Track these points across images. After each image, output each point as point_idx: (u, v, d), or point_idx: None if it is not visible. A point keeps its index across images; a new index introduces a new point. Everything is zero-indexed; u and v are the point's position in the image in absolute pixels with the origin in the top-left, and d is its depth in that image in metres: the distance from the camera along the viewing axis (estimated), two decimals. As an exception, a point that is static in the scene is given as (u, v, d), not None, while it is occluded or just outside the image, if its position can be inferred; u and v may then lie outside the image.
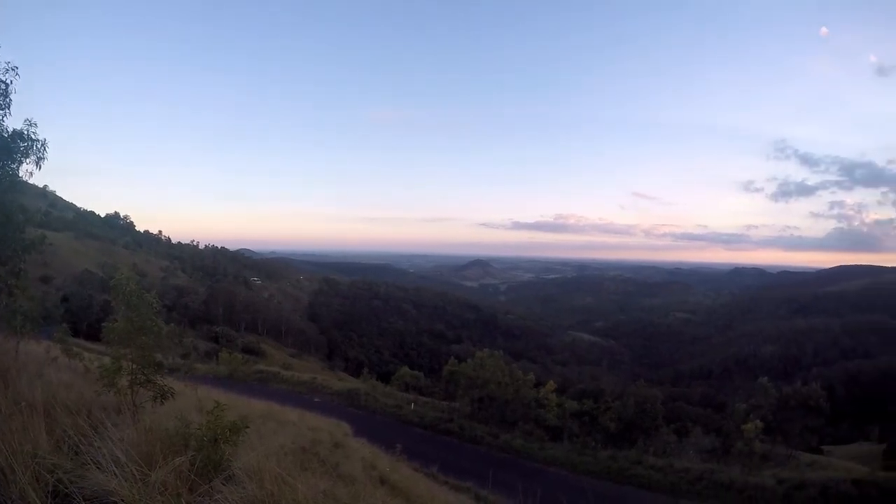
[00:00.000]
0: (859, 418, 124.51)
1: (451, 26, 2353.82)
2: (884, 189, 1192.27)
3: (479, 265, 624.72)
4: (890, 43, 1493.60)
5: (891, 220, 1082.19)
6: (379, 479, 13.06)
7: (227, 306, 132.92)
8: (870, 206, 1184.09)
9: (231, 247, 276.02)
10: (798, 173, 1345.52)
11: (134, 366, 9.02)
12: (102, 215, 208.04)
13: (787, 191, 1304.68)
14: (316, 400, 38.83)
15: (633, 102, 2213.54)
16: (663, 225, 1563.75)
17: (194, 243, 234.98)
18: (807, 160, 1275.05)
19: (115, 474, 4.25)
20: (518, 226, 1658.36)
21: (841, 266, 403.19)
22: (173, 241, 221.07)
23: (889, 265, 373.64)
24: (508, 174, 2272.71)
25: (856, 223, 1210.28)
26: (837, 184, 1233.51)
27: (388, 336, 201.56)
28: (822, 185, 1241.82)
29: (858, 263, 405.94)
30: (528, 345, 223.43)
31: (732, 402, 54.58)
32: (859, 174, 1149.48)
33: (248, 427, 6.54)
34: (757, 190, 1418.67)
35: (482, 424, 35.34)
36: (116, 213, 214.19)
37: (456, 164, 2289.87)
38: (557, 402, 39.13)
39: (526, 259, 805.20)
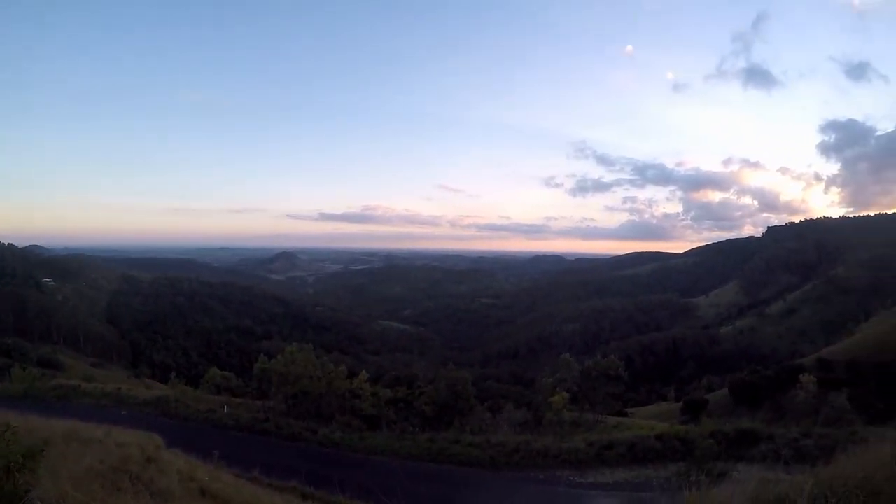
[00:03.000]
0: (656, 382, 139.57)
1: (264, 7, 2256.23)
2: (672, 187, 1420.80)
3: (286, 258, 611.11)
4: (685, 64, 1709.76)
5: (677, 214, 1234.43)
6: (199, 491, 12.24)
7: (17, 313, 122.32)
8: (659, 201, 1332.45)
9: (19, 243, 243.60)
10: (595, 171, 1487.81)
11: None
12: None
13: (585, 186, 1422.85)
14: (124, 413, 36.01)
15: (441, 98, 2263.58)
16: (468, 216, 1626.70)
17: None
18: (604, 160, 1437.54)
19: None
20: (325, 217, 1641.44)
21: (633, 253, 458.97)
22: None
23: (675, 252, 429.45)
24: (315, 164, 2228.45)
25: (646, 216, 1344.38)
26: (631, 181, 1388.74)
27: (195, 336, 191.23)
28: (617, 183, 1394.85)
29: (648, 251, 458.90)
30: (340, 336, 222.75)
31: (539, 377, 57.83)
32: (651, 174, 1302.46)
33: (43, 451, 5.93)
34: (557, 185, 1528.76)
35: (299, 421, 34.54)
36: None
37: (261, 152, 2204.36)
38: (372, 391, 39.32)
39: (333, 250, 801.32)
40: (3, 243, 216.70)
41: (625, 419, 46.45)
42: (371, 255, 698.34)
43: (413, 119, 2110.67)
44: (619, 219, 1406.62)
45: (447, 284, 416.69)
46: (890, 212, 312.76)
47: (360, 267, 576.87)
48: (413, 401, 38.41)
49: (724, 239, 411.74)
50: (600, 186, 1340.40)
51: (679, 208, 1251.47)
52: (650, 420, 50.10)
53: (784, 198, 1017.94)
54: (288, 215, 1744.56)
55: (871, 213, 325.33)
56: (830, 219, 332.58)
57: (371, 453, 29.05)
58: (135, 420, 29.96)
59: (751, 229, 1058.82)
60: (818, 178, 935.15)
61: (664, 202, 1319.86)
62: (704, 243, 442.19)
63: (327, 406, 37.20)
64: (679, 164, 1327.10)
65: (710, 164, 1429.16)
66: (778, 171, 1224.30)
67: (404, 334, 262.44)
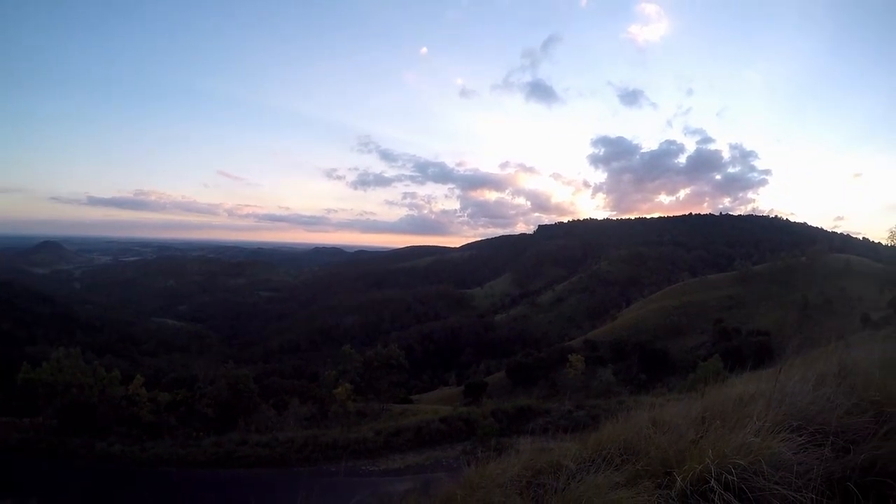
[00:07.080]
0: (438, 369, 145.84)
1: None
2: (451, 185, 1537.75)
3: (51, 248, 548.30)
4: (475, 72, 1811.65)
5: (455, 211, 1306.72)
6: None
7: None
8: (438, 198, 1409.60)
9: None
10: (378, 166, 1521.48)
11: None
12: None
13: (367, 180, 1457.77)
14: None
15: (223, 79, 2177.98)
16: (247, 205, 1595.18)
17: None
18: (387, 155, 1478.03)
19: None
20: (94, 201, 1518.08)
21: (411, 246, 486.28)
22: None
23: (451, 246, 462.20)
24: (84, 141, 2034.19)
25: (425, 211, 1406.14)
26: (412, 178, 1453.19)
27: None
28: (399, 178, 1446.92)
29: (426, 244, 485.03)
30: (111, 337, 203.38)
31: (323, 370, 58.18)
32: (431, 172, 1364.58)
33: None
34: (339, 177, 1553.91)
35: (75, 437, 31.42)
36: None
37: (22, 121, 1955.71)
38: (149, 396, 37.16)
39: (103, 240, 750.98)
40: None
41: (410, 406, 48.18)
42: (144, 246, 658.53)
43: (191, 99, 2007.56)
44: (399, 213, 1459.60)
45: (225, 277, 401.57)
46: (647, 216, 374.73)
47: (131, 258, 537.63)
48: (194, 403, 36.90)
49: (499, 235, 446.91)
50: (382, 181, 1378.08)
51: (457, 205, 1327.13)
52: (434, 405, 52.40)
53: (555, 200, 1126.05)
54: (52, 198, 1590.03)
55: (632, 217, 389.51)
56: (596, 220, 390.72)
57: (156, 464, 27.38)
58: None
59: (523, 227, 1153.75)
60: (587, 184, 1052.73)
61: (443, 199, 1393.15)
62: (480, 238, 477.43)
63: (103, 417, 34.37)
64: (459, 164, 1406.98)
65: (488, 166, 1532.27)
66: (551, 176, 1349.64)
67: (181, 332, 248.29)
